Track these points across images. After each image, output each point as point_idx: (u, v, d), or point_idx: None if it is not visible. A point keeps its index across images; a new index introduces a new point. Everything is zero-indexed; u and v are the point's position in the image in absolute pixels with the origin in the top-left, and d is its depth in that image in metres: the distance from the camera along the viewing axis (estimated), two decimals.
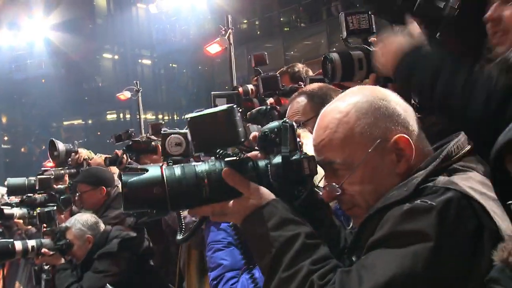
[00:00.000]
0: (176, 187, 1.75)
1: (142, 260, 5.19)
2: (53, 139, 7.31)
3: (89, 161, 7.04)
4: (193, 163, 1.83)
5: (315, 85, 3.27)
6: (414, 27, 2.33)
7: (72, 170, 6.92)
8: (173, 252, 5.07)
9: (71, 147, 7.26)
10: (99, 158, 7.15)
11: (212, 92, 3.16)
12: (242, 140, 1.85)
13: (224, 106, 1.87)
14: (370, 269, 1.57)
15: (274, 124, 1.88)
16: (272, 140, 1.86)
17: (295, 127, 1.89)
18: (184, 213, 4.14)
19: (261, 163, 1.85)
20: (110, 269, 4.99)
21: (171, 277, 4.94)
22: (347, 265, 1.71)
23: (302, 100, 3.12)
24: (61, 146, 7.08)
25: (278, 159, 1.82)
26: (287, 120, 1.88)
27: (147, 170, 1.76)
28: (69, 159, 7.05)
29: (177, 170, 1.77)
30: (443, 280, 1.55)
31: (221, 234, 2.49)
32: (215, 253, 2.48)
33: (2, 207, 7.45)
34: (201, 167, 1.80)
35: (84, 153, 7.23)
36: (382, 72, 2.41)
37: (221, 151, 1.83)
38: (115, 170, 6.48)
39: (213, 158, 1.85)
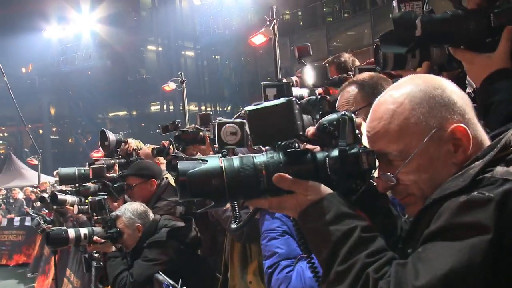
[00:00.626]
0: (234, 179, 1.76)
1: (190, 249, 5.21)
2: (104, 129, 7.39)
3: (138, 151, 7.09)
4: (251, 155, 1.84)
5: (366, 74, 3.23)
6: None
7: (122, 160, 7.00)
8: (220, 241, 5.07)
9: (121, 137, 7.35)
10: (147, 148, 7.21)
11: (263, 83, 3.14)
12: (301, 133, 1.85)
13: (283, 99, 1.87)
14: (427, 262, 1.55)
15: (333, 116, 1.86)
16: (330, 133, 1.85)
17: (355, 119, 1.86)
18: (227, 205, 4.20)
19: (320, 156, 1.83)
20: (160, 257, 5.04)
21: (218, 267, 4.95)
22: (403, 257, 1.67)
23: (352, 90, 3.10)
24: (111, 136, 7.16)
25: (335, 153, 1.81)
26: (346, 113, 1.86)
27: (206, 161, 1.78)
28: (119, 149, 7.14)
29: (236, 161, 1.79)
30: (502, 275, 1.51)
31: (276, 222, 2.48)
32: (270, 241, 2.47)
33: (56, 192, 7.64)
34: (259, 158, 1.81)
35: (133, 143, 7.29)
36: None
37: (280, 143, 1.83)
38: (162, 160, 6.55)
39: (271, 149, 1.85)
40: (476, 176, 1.66)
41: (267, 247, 2.49)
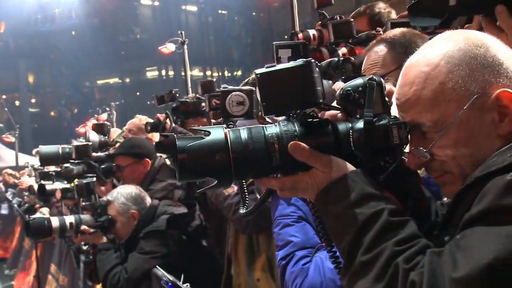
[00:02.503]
0: (241, 153, 1.75)
1: (193, 240, 5.25)
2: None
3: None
4: (262, 125, 1.82)
5: (397, 31, 3.17)
6: None
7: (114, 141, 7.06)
8: (227, 229, 5.08)
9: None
10: (138, 120, 7.24)
11: (274, 42, 3.12)
12: (321, 101, 1.81)
13: (301, 61, 1.83)
14: (467, 251, 1.52)
15: (359, 81, 1.85)
16: (355, 101, 1.83)
17: (384, 85, 1.85)
18: (228, 191, 4.17)
19: (342, 127, 1.82)
20: (158, 249, 5.06)
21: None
22: (438, 244, 1.66)
23: (381, 50, 3.04)
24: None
25: (361, 124, 1.79)
26: (374, 77, 1.85)
27: (209, 132, 1.76)
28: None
29: (244, 133, 1.77)
30: None
31: (290, 207, 2.48)
32: (283, 228, 2.46)
33: (43, 182, 7.65)
34: (271, 130, 1.79)
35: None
36: None
37: (296, 112, 1.82)
38: (156, 136, 6.60)
39: (285, 119, 1.84)
40: None
41: (280, 235, 2.48)
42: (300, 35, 4.68)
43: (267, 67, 1.83)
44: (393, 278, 1.58)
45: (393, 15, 4.57)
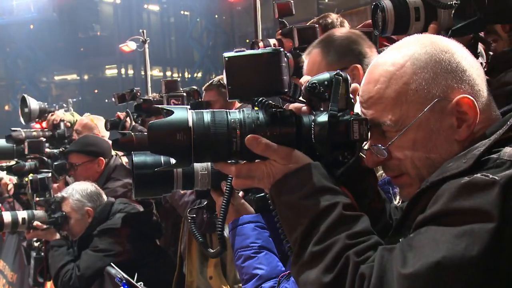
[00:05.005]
0: (203, 135, 1.75)
1: (149, 239, 5.25)
2: (25, 95, 7.37)
3: (68, 123, 7.07)
4: (226, 110, 1.82)
5: (337, 34, 3.12)
6: None
7: (47, 133, 6.97)
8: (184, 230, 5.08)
9: (46, 105, 7.33)
10: (87, 118, 7.18)
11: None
12: (286, 90, 1.84)
13: (270, 49, 1.87)
14: (417, 249, 1.55)
15: (325, 75, 1.86)
16: (320, 94, 1.85)
17: (349, 81, 1.87)
18: (184, 191, 4.17)
19: (305, 119, 1.85)
20: (112, 247, 5.05)
21: None
22: (392, 244, 1.67)
23: (317, 54, 2.99)
24: (33, 103, 7.16)
25: (324, 118, 1.80)
26: (341, 72, 1.86)
27: (172, 112, 1.76)
28: (42, 119, 7.17)
29: (207, 116, 1.77)
30: (503, 268, 1.52)
31: (250, 238, 2.42)
32: (246, 261, 2.41)
33: None
34: (234, 115, 1.80)
35: (64, 114, 7.31)
36: None
37: (261, 99, 1.82)
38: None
39: (249, 107, 1.85)
40: (480, 157, 1.67)
41: (244, 269, 2.43)
42: (261, 44, 4.70)
43: (236, 51, 1.84)
44: (343, 270, 1.60)
45: (346, 24, 4.61)
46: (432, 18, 2.62)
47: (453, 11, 2.47)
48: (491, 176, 1.57)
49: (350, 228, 1.67)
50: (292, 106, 1.90)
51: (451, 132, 1.80)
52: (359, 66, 2.80)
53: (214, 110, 1.81)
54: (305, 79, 1.93)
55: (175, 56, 42.60)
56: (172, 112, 1.76)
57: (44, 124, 7.35)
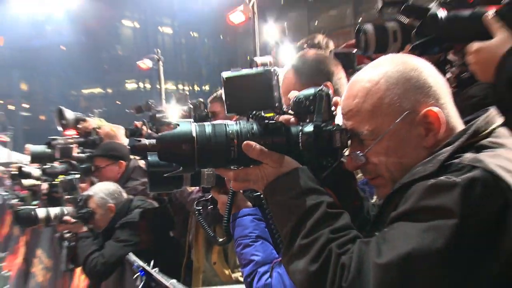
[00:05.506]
0: (205, 145, 1.75)
1: (163, 231, 5.22)
2: (61, 107, 7.39)
3: (98, 129, 7.03)
4: (224, 122, 1.83)
5: (305, 55, 3.05)
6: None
7: (80, 139, 6.96)
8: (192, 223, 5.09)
9: (80, 115, 7.35)
10: (108, 127, 7.18)
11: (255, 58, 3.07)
12: (277, 104, 1.83)
13: (262, 68, 1.86)
14: (390, 242, 1.57)
15: (310, 91, 1.87)
16: (306, 107, 1.85)
17: (331, 96, 1.87)
18: (192, 188, 4.16)
19: (294, 129, 1.84)
20: (132, 238, 5.03)
21: None
22: (369, 237, 1.69)
23: (290, 75, 2.92)
24: (68, 114, 7.19)
25: (309, 128, 1.81)
26: (323, 88, 1.87)
27: (178, 125, 1.77)
28: (79, 126, 7.14)
29: (208, 128, 1.77)
30: (464, 258, 1.53)
31: (248, 228, 2.41)
32: (244, 249, 2.41)
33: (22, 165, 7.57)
34: (232, 127, 1.80)
35: (93, 121, 7.28)
36: (481, 78, 2.35)
37: (255, 113, 1.82)
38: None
39: (245, 119, 1.85)
40: (444, 162, 1.68)
41: (243, 255, 2.42)
42: (259, 61, 4.69)
43: (232, 71, 1.84)
44: (327, 260, 1.61)
45: (331, 44, 4.58)
46: (407, 40, 2.59)
47: (414, 30, 2.48)
48: (453, 178, 1.58)
49: (332, 224, 1.68)
50: (282, 118, 1.89)
51: (420, 140, 1.81)
52: (329, 83, 2.75)
53: (214, 122, 1.82)
54: (292, 95, 1.93)
55: (185, 71, 42.64)
56: (178, 125, 1.76)
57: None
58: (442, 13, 2.37)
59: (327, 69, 2.80)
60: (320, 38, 4.64)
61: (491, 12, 2.31)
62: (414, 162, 1.77)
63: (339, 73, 2.81)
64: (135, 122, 6.69)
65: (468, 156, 1.67)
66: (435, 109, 1.79)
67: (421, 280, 1.53)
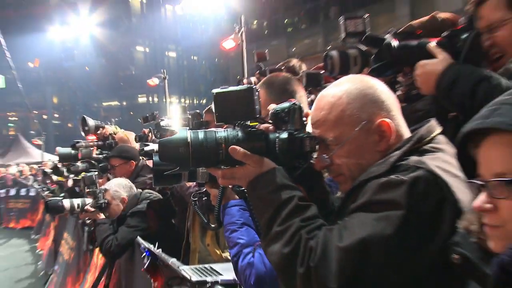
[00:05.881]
0: (198, 149, 1.74)
1: (165, 218, 5.16)
2: (84, 116, 7.40)
3: (114, 135, 7.02)
4: (214, 129, 1.81)
5: (276, 77, 2.99)
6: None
7: (99, 143, 6.94)
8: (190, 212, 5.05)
9: (100, 123, 7.33)
10: (122, 133, 7.16)
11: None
12: (258, 115, 1.81)
13: (246, 86, 1.84)
14: (349, 229, 1.57)
15: (285, 104, 1.85)
16: (282, 118, 1.83)
17: (303, 109, 1.86)
18: (189, 183, 4.13)
19: (271, 136, 1.82)
20: (140, 225, 4.99)
21: None
22: (333, 225, 1.68)
23: (262, 93, 2.88)
24: (90, 121, 7.18)
25: (285, 135, 1.79)
26: (296, 103, 1.86)
27: (176, 132, 1.77)
28: (98, 132, 7.13)
29: (201, 134, 1.76)
30: (409, 242, 1.53)
31: (235, 216, 2.40)
32: (232, 233, 2.38)
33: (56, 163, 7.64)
34: (221, 134, 1.78)
35: (110, 128, 7.26)
36: (424, 90, 2.34)
37: (240, 122, 1.80)
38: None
39: (231, 127, 1.83)
40: (394, 163, 1.68)
41: (230, 239, 2.39)
42: (245, 81, 4.66)
43: (221, 88, 1.83)
44: (297, 244, 1.60)
45: (304, 66, 4.55)
46: (365, 64, 2.59)
47: (371, 56, 2.47)
48: (401, 177, 1.59)
49: (303, 214, 1.67)
50: (262, 126, 1.86)
51: (374, 145, 1.79)
52: (293, 99, 2.73)
53: (206, 130, 1.79)
54: (271, 107, 1.90)
55: (187, 88, 42.56)
56: (176, 132, 1.76)
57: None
58: (395, 43, 2.37)
59: (291, 88, 2.76)
60: (294, 61, 4.61)
61: (433, 42, 2.33)
62: (370, 163, 1.76)
63: (301, 92, 2.78)
64: (143, 129, 6.70)
65: (413, 158, 1.67)
66: (387, 120, 1.79)
67: (374, 260, 1.53)
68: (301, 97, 2.78)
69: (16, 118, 45.77)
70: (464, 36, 2.27)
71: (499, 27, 2.26)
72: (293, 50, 31.74)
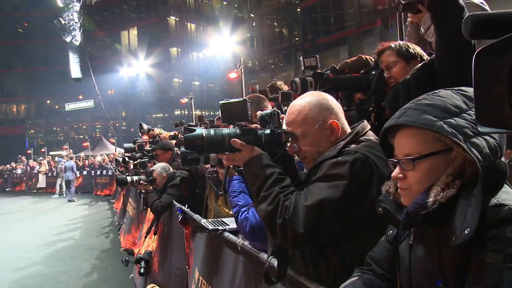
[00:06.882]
0: (210, 141, 1.69)
1: (191, 188, 5.07)
2: (141, 122, 7.43)
3: (160, 135, 6.97)
4: (221, 129, 1.77)
5: (253, 95, 3.11)
6: None
7: (150, 140, 6.87)
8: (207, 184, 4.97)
9: (151, 127, 7.41)
10: (165, 134, 7.13)
11: (220, 102, 3.04)
12: (249, 119, 1.78)
13: (241, 99, 1.80)
14: (312, 193, 1.54)
15: (268, 111, 1.82)
16: (266, 120, 1.79)
17: (280, 114, 1.82)
18: (206, 165, 4.04)
19: (259, 132, 1.76)
20: (176, 193, 4.90)
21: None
22: (301, 191, 1.64)
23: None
24: (145, 126, 7.21)
25: (268, 131, 1.75)
26: (275, 109, 1.83)
27: (194, 130, 1.72)
28: (150, 132, 7.14)
29: (212, 131, 1.72)
30: (350, 202, 1.51)
31: (235, 186, 2.34)
32: (233, 198, 2.31)
33: (125, 157, 7.74)
34: (225, 131, 1.74)
35: (157, 130, 7.23)
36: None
37: (238, 123, 1.76)
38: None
39: (232, 126, 1.79)
40: (340, 150, 1.65)
41: (232, 202, 2.33)
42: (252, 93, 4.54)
43: (225, 100, 1.78)
44: (277, 204, 1.56)
45: (284, 87, 4.45)
46: (317, 83, 2.51)
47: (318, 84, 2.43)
48: (345, 158, 1.56)
49: (280, 183, 1.62)
50: (253, 126, 1.81)
51: (327, 137, 1.74)
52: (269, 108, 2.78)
53: (215, 128, 1.75)
54: (259, 113, 1.85)
55: (206, 104, 42.20)
56: (194, 130, 1.71)
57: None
58: (330, 77, 2.36)
59: (264, 104, 2.88)
60: (279, 83, 4.52)
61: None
62: (325, 150, 1.71)
63: (269, 106, 2.87)
64: (175, 131, 6.77)
65: (353, 146, 1.64)
66: (336, 121, 1.74)
67: (327, 214, 1.50)
68: (267, 108, 2.80)
69: (100, 126, 45.50)
70: (373, 72, 2.31)
71: (393, 66, 2.31)
72: (274, 79, 31.60)
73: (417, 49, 2.34)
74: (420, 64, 2.10)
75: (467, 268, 1.01)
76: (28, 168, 27.14)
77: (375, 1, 26.12)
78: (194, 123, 5.92)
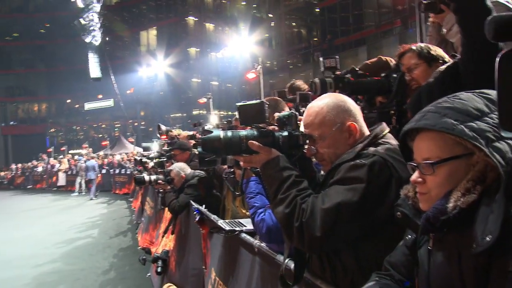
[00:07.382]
0: (227, 142, 1.69)
1: (209, 189, 5.11)
2: (159, 123, 7.52)
3: (178, 135, 7.03)
4: (238, 130, 1.77)
5: (270, 98, 3.14)
6: None
7: (168, 141, 6.96)
8: (224, 185, 5.00)
9: (169, 128, 7.47)
10: (184, 134, 7.18)
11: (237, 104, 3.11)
12: (267, 120, 1.77)
13: (258, 101, 1.80)
14: (329, 196, 1.53)
15: (286, 112, 1.81)
16: (284, 121, 1.78)
17: (298, 115, 1.81)
18: (224, 166, 4.08)
19: (277, 134, 1.75)
20: (193, 193, 4.94)
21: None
22: (318, 194, 1.64)
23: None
24: (163, 127, 7.27)
25: (285, 133, 1.74)
26: (293, 111, 1.83)
27: (212, 132, 1.72)
28: (168, 133, 7.21)
29: (229, 133, 1.71)
30: (368, 205, 1.50)
31: (252, 187, 2.33)
32: (250, 199, 2.31)
33: (143, 158, 7.80)
34: (242, 132, 1.73)
35: (175, 131, 7.31)
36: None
37: (255, 125, 1.75)
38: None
39: (249, 128, 1.79)
40: (358, 152, 1.64)
41: (249, 203, 2.33)
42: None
43: (243, 102, 1.79)
44: (294, 206, 1.56)
45: (306, 86, 4.41)
46: (337, 87, 2.51)
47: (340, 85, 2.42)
48: (363, 161, 1.55)
49: (298, 186, 1.62)
50: (270, 127, 1.80)
51: (345, 140, 1.73)
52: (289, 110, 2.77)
53: (232, 130, 1.75)
54: (276, 115, 1.85)
55: (224, 104, 42.33)
56: (212, 132, 1.71)
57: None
58: (350, 80, 2.37)
59: (281, 107, 2.89)
60: (300, 83, 4.46)
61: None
62: (342, 152, 1.70)
63: (286, 108, 2.87)
64: (193, 131, 6.78)
65: (371, 149, 1.63)
66: (354, 123, 1.73)
67: (345, 217, 1.50)
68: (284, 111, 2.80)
69: (119, 125, 46.21)
70: (395, 75, 2.30)
71: (414, 69, 2.27)
72: (293, 80, 31.46)
73: (438, 51, 2.30)
74: (443, 67, 2.04)
75: (487, 276, 0.98)
76: (49, 166, 27.89)
77: (395, 1, 25.69)
78: (211, 124, 5.99)
